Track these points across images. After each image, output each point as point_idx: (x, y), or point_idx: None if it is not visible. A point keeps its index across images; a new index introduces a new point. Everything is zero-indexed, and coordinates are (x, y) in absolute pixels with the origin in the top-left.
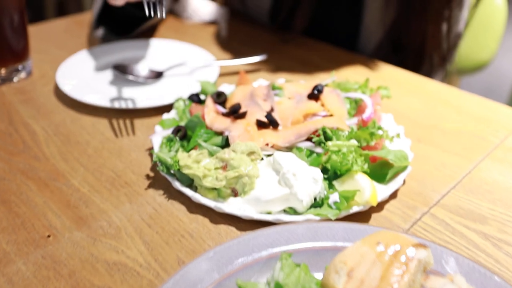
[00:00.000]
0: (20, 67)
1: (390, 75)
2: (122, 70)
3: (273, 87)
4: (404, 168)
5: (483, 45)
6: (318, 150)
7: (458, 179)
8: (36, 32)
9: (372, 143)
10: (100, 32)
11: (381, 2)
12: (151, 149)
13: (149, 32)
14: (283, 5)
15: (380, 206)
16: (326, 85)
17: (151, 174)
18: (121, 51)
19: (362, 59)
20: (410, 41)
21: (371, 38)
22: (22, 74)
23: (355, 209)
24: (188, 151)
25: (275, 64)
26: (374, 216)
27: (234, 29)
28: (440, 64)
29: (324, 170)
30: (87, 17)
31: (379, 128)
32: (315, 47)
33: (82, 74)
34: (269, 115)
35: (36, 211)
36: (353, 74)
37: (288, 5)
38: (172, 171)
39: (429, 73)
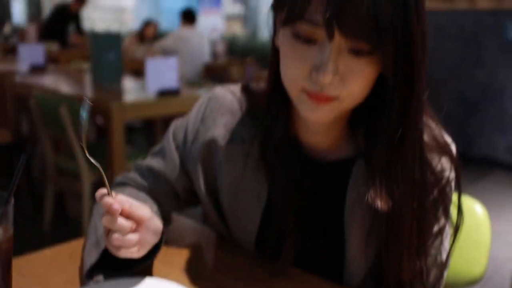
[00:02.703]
0: None
1: None
2: None
3: None
4: None
5: (472, 261)
6: None
7: None
8: (20, 267)
9: None
10: (99, 278)
11: (361, 239)
12: None
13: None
14: (269, 236)
15: None
16: None
17: None
18: None
19: None
20: (390, 277)
21: (354, 274)
22: None
23: None
24: None
25: None
26: None
27: (220, 258)
28: None
29: None
30: (74, 247)
31: None
32: (304, 280)
33: None
34: None
35: None
36: None
37: (274, 237)
38: None
39: None
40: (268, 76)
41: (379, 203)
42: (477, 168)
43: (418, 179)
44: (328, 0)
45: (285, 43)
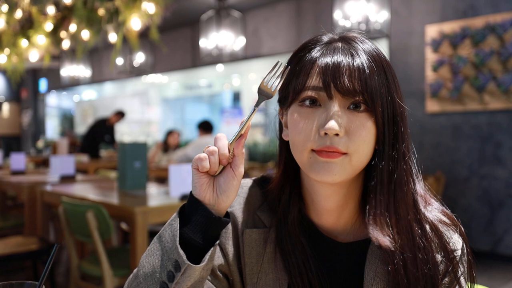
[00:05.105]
0: None
1: None
2: None
3: None
4: None
5: None
6: None
7: None
8: None
9: None
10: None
11: None
12: None
13: None
14: None
15: None
16: None
17: None
18: None
19: None
20: None
21: None
22: None
23: None
24: None
25: None
26: None
27: None
28: None
29: None
30: None
31: None
32: None
33: None
34: None
35: None
36: None
37: None
38: None
39: None
40: (278, 165)
41: (382, 239)
42: (507, 266)
43: (417, 233)
44: (324, 70)
45: (292, 114)
